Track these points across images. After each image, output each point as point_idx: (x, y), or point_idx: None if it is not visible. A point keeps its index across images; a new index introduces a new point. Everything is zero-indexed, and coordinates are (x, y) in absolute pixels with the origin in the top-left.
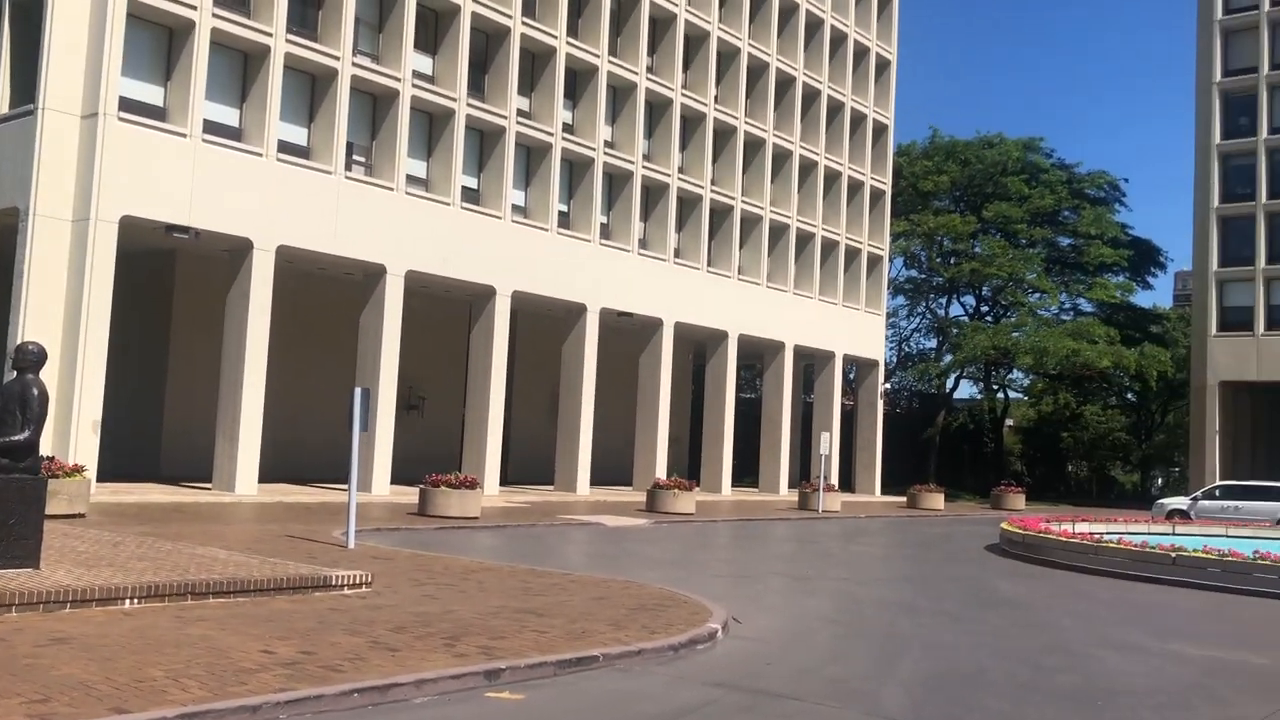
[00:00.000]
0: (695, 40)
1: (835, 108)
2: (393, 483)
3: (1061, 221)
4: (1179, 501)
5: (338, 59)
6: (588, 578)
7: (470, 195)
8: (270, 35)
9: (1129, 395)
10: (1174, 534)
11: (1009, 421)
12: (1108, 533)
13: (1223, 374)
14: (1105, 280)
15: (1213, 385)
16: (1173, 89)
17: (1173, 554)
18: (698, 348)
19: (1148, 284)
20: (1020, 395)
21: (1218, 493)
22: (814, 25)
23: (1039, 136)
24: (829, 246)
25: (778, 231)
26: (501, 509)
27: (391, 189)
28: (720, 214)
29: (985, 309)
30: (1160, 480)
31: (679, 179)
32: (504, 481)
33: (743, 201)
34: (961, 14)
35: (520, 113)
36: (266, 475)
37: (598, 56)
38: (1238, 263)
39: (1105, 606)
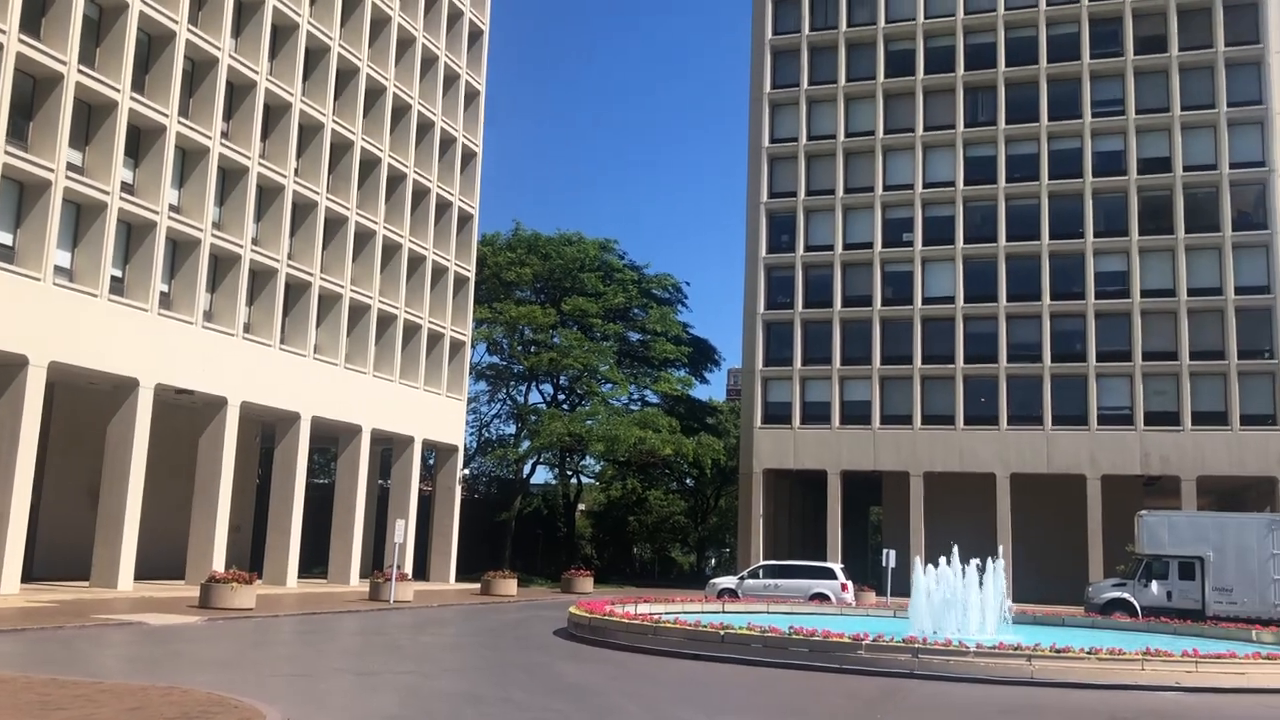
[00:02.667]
0: (276, 110)
1: (421, 192)
2: None
3: (632, 318)
4: (728, 581)
5: None
6: (123, 686)
7: (3, 253)
8: None
9: (688, 481)
10: (724, 612)
11: (581, 506)
12: (666, 613)
13: (766, 462)
14: (669, 374)
15: (758, 472)
16: (731, 205)
17: (721, 632)
18: (267, 429)
19: (705, 379)
20: (592, 480)
21: (760, 572)
22: (401, 110)
23: (613, 239)
24: (411, 329)
25: (358, 311)
26: (21, 610)
27: None
28: (297, 289)
29: (562, 397)
30: (713, 560)
31: (252, 251)
32: (28, 578)
33: (321, 278)
34: (549, 113)
35: (71, 166)
36: None
37: (166, 117)
38: (779, 363)
39: (663, 686)
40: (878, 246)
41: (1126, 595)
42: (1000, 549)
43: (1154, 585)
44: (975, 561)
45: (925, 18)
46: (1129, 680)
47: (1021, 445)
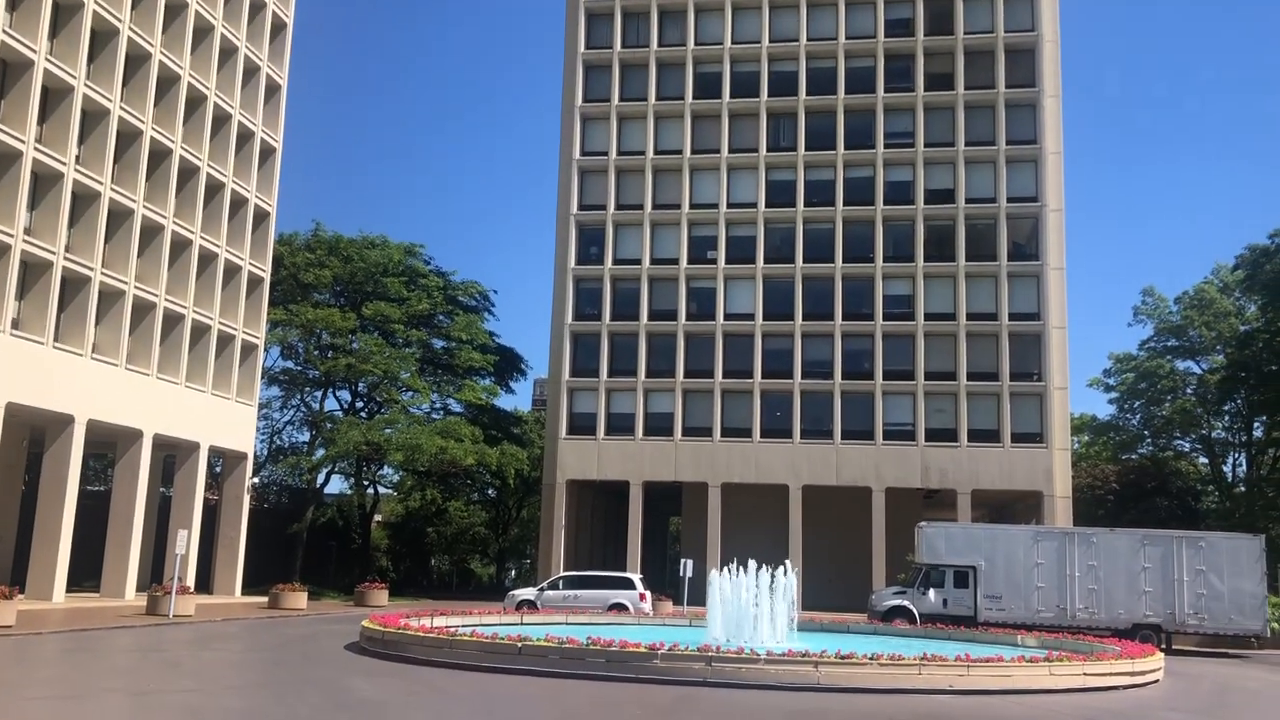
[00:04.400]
0: (57, 93)
1: (215, 187)
2: None
3: (437, 325)
4: (528, 592)
5: None
6: None
7: None
8: None
9: (490, 491)
10: (522, 624)
11: (378, 517)
12: (463, 625)
13: (570, 473)
14: (473, 383)
15: (562, 483)
16: (541, 216)
17: (519, 644)
18: (35, 433)
19: (510, 389)
20: (390, 491)
21: (561, 583)
22: (196, 101)
23: (420, 244)
24: (200, 330)
25: (142, 309)
26: None
27: None
28: (75, 284)
29: (360, 405)
30: (514, 572)
31: (25, 240)
32: None
33: (103, 273)
34: (358, 117)
35: None
36: None
37: None
38: (585, 374)
39: (457, 700)
40: (683, 262)
41: (906, 603)
42: (789, 559)
43: (931, 593)
44: (767, 571)
45: (732, 43)
46: (908, 684)
47: (813, 458)
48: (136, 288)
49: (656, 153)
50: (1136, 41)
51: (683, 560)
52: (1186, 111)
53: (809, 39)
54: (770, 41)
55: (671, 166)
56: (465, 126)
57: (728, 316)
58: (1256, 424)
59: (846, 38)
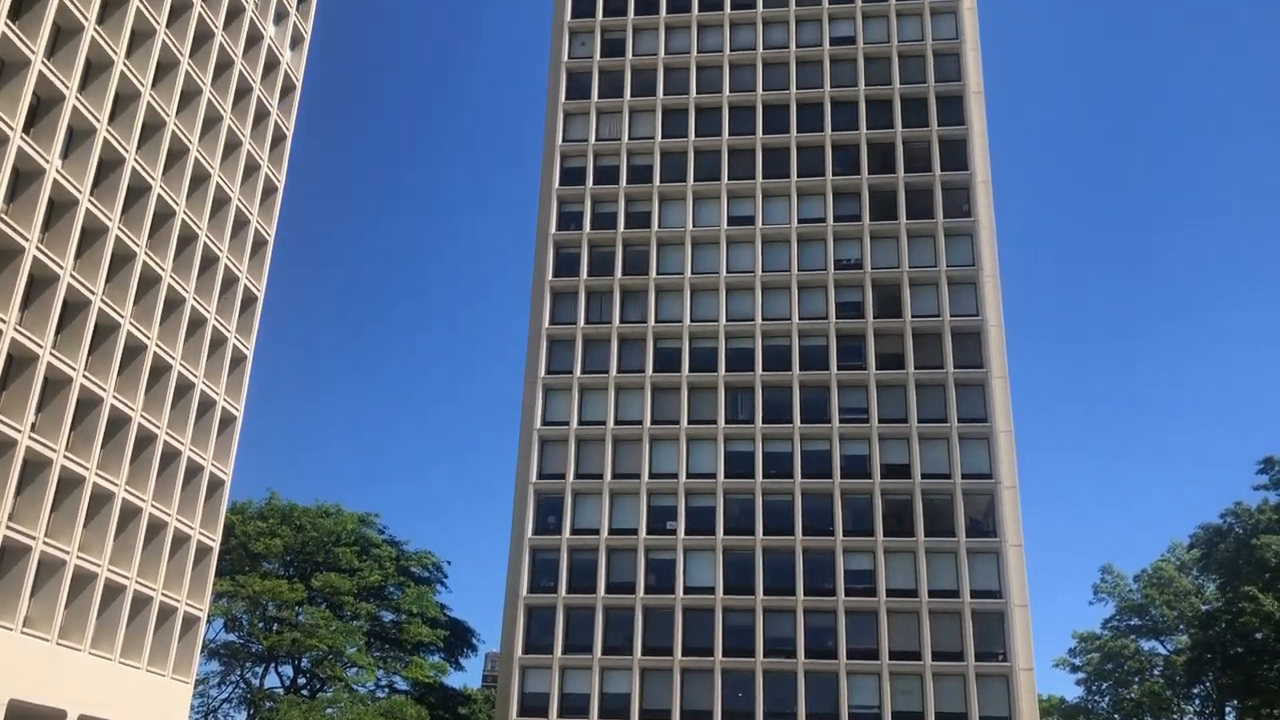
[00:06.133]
0: (21, 361)
1: (171, 454)
2: None
3: (387, 597)
4: None
5: None
6: None
7: None
8: None
9: None
10: None
11: None
12: None
13: None
14: (421, 660)
15: None
16: (498, 485)
17: None
18: None
19: (460, 665)
20: None
21: None
22: (160, 369)
23: (375, 512)
24: (141, 602)
25: (83, 580)
26: None
27: None
28: (14, 554)
29: (303, 681)
30: None
31: None
32: None
33: (45, 543)
34: (316, 384)
35: None
36: None
37: None
38: (539, 650)
39: None
40: (642, 533)
41: None
42: None
43: None
44: None
45: (691, 320)
46: None
47: None
48: (79, 558)
49: (617, 423)
50: (1072, 328)
51: None
52: (1138, 402)
53: (764, 319)
54: (727, 320)
55: (631, 436)
56: (431, 409)
57: (687, 590)
58: (1229, 709)
59: (800, 318)
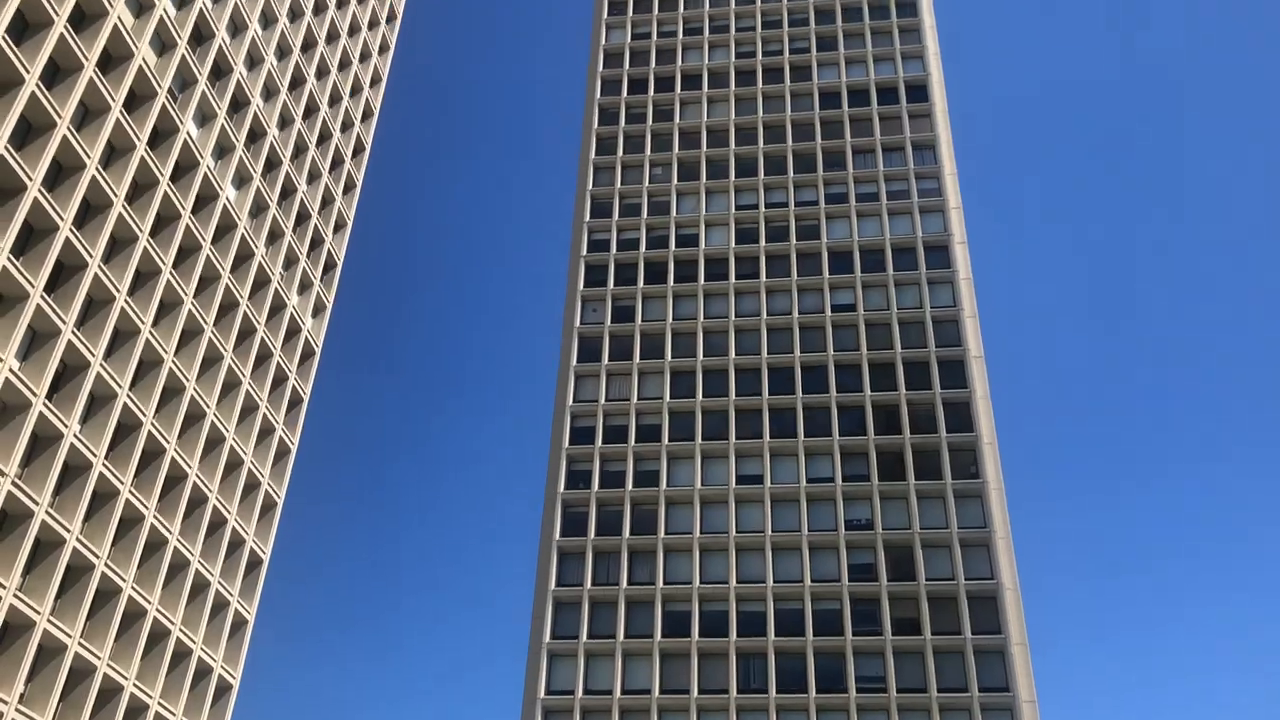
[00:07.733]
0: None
1: (182, 653)
2: None
3: None
4: None
5: None
6: None
7: None
8: None
9: None
10: None
11: None
12: None
13: None
14: None
15: None
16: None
17: None
18: None
19: None
20: None
21: None
22: (179, 565)
23: None
24: None
25: None
26: None
27: None
28: None
29: None
30: None
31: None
32: None
33: None
34: (328, 591)
35: None
36: None
37: None
38: None
39: None
40: None
41: None
42: None
43: None
44: None
45: (701, 582)
46: None
47: None
48: None
49: (624, 692)
50: (1088, 585)
51: None
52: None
53: (775, 580)
54: (738, 583)
55: (639, 707)
56: (435, 687)
57: None
58: None
59: (812, 580)
